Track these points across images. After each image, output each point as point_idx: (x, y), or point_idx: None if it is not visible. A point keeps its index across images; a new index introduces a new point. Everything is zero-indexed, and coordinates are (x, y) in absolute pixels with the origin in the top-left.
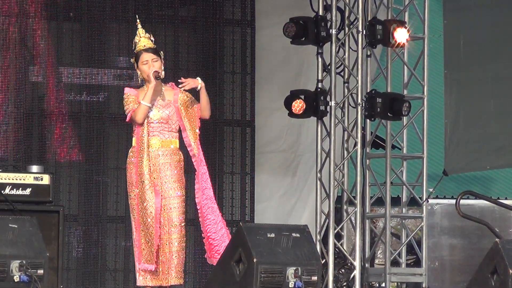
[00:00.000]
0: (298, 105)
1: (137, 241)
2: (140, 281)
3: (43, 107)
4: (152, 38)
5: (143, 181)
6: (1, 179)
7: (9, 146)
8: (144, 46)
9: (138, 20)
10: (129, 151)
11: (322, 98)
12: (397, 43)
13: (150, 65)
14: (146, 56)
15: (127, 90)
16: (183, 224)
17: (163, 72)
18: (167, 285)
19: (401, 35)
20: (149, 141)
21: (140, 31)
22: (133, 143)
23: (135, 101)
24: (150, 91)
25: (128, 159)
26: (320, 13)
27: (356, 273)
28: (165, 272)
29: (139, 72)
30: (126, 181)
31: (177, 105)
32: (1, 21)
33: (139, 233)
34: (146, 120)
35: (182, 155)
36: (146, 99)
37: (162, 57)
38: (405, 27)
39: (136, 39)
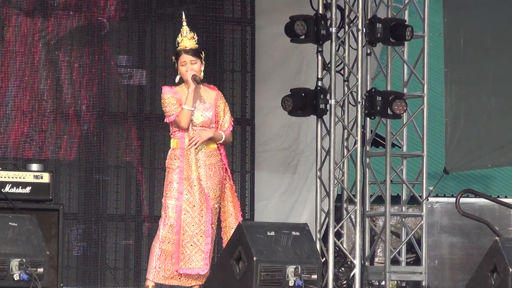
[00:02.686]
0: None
1: (177, 243)
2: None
3: (43, 105)
4: (196, 37)
5: (193, 186)
6: (1, 177)
7: (9, 144)
8: (185, 47)
9: (184, 17)
10: (170, 152)
11: (322, 96)
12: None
13: (188, 67)
14: (185, 58)
15: (165, 89)
16: (214, 226)
17: (202, 73)
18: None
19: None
20: None
21: (185, 28)
22: (174, 145)
23: (177, 103)
24: (190, 95)
25: (170, 161)
26: (320, 11)
27: (356, 271)
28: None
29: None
30: (163, 180)
31: (217, 109)
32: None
33: (179, 235)
34: (190, 124)
35: (221, 154)
36: (188, 104)
37: (203, 57)
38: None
39: (179, 38)
